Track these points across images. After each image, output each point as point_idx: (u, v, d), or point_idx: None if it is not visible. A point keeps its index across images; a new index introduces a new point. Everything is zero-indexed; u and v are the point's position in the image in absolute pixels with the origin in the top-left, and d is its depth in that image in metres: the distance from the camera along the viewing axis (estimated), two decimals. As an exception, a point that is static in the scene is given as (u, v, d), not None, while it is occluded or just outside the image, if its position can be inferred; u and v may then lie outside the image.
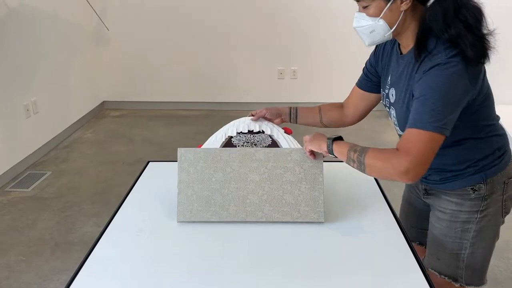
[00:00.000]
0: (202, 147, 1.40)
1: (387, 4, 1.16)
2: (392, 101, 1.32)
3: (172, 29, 4.66)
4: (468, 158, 1.27)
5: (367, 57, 1.47)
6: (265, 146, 1.40)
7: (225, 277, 1.11)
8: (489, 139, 1.28)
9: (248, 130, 1.45)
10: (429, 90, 1.11)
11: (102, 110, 4.94)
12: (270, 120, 1.52)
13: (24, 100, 3.53)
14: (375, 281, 1.09)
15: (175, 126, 4.46)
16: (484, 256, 1.37)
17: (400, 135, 1.34)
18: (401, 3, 1.16)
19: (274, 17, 4.60)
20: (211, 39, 4.70)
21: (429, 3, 1.14)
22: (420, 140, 1.11)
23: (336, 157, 1.26)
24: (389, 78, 1.34)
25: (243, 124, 1.46)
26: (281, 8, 4.57)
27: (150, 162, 1.75)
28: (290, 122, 1.56)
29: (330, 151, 1.26)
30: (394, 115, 1.32)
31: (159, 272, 1.12)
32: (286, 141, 1.43)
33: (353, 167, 1.22)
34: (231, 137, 1.44)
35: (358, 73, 1.51)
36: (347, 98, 1.57)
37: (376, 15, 1.18)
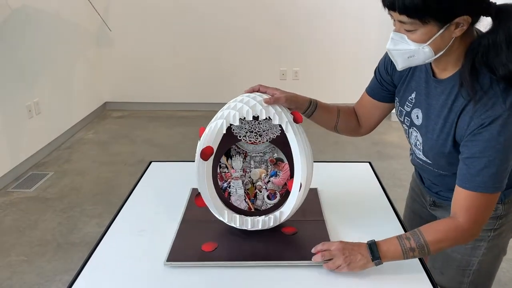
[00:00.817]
0: (202, 139, 1.19)
1: (439, 30, 0.98)
2: (417, 123, 1.19)
3: (174, 30, 4.66)
4: None
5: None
6: (273, 138, 1.21)
7: (227, 272, 1.11)
8: None
9: (253, 117, 1.17)
10: (491, 150, 1.00)
11: (104, 111, 4.95)
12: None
13: (26, 101, 3.53)
14: (379, 284, 1.08)
15: (177, 127, 4.47)
16: (490, 272, 1.32)
17: (420, 159, 1.23)
18: (455, 28, 0.99)
19: (276, 18, 4.60)
20: (213, 40, 4.70)
21: (481, 26, 1.01)
22: (487, 205, 1.06)
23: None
24: (413, 96, 1.19)
25: (247, 108, 1.16)
26: (283, 9, 4.57)
27: (152, 162, 1.75)
28: (302, 114, 1.30)
29: (379, 264, 1.09)
30: (419, 139, 1.19)
31: (161, 272, 1.12)
32: (294, 135, 1.17)
33: (412, 257, 1.10)
34: (231, 124, 1.18)
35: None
36: (357, 107, 1.40)
37: (422, 41, 1.00)
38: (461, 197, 1.06)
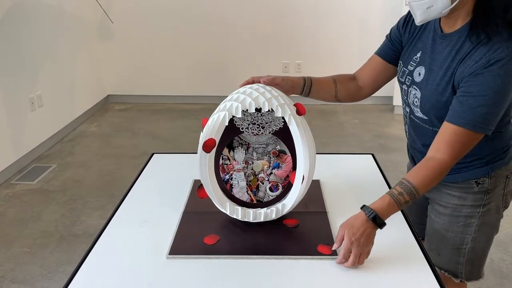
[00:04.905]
0: (205, 131, 1.18)
1: None
2: (417, 80, 1.24)
3: (176, 22, 4.65)
4: (478, 152, 1.22)
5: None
6: (276, 130, 1.21)
7: (229, 264, 1.11)
8: (504, 134, 1.25)
9: (256, 109, 1.16)
10: (489, 91, 1.07)
11: (107, 104, 4.95)
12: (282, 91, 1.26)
13: (29, 93, 3.53)
14: (383, 276, 1.08)
15: (179, 120, 4.47)
16: (483, 251, 1.35)
17: (419, 117, 1.27)
18: None
19: (279, 11, 4.58)
20: (215, 33, 4.68)
21: None
22: (471, 143, 1.13)
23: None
24: (418, 55, 1.26)
25: (249, 99, 1.15)
26: (286, 2, 4.55)
27: (154, 154, 1.75)
28: (301, 95, 1.36)
29: (381, 224, 1.10)
30: (418, 96, 1.24)
31: (163, 263, 1.13)
32: (297, 128, 1.16)
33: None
34: (234, 116, 1.17)
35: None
36: (362, 70, 1.44)
37: None
38: (448, 132, 1.12)
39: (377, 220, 1.09)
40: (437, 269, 1.35)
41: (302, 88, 1.35)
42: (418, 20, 1.14)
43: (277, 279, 1.07)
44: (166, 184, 1.51)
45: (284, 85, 1.28)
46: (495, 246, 2.38)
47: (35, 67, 3.63)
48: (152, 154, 1.75)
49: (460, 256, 1.33)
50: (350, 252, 1.07)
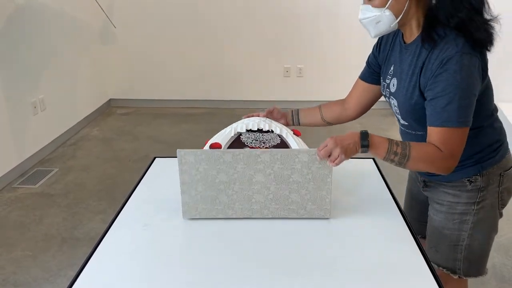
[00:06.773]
0: (210, 141, 1.37)
1: None
2: (392, 91, 1.34)
3: (178, 27, 4.67)
4: (467, 151, 1.24)
5: None
6: (274, 145, 1.36)
7: (229, 272, 1.11)
8: (487, 130, 1.30)
9: (258, 129, 1.42)
10: (451, 88, 1.13)
11: (109, 108, 4.96)
12: (276, 119, 1.55)
13: (31, 97, 3.55)
14: (381, 276, 1.09)
15: (181, 124, 4.48)
16: (482, 248, 1.39)
17: (402, 124, 1.37)
18: None
19: (280, 15, 4.60)
20: (217, 37, 4.70)
21: None
22: (458, 138, 1.17)
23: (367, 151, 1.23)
24: (391, 68, 1.35)
25: (253, 122, 1.43)
26: (287, 6, 4.56)
27: (156, 158, 1.75)
28: (293, 124, 1.58)
29: (365, 146, 1.20)
30: (396, 104, 1.33)
31: (164, 267, 1.13)
32: (295, 142, 1.37)
33: (390, 161, 1.21)
34: (240, 134, 1.40)
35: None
36: (349, 93, 1.58)
37: (382, 5, 1.19)
38: (433, 134, 1.19)
39: (363, 136, 1.19)
40: (435, 266, 1.38)
41: (291, 116, 1.59)
42: (372, 34, 1.27)
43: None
44: (167, 188, 1.52)
45: (277, 113, 1.56)
46: (497, 250, 2.38)
47: (37, 71, 3.65)
48: (154, 158, 1.76)
49: (457, 253, 1.37)
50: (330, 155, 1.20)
